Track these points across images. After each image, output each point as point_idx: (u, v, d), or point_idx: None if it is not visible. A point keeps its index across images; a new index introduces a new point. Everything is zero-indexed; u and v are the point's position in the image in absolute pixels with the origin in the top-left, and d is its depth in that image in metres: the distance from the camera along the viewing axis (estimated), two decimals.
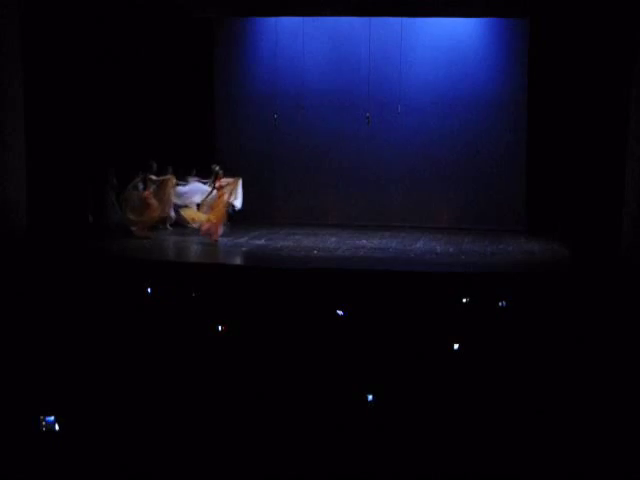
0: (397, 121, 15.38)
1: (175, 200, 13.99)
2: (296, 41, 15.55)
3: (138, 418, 4.37)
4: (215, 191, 13.45)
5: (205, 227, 13.28)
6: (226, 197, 13.37)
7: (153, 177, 13.78)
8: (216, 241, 13.13)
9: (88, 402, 4.56)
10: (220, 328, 6.40)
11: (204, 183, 13.97)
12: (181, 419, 4.40)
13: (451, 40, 15.33)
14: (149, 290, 8.19)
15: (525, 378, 5.23)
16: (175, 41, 15.35)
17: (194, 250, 12.94)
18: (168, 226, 14.39)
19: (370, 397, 4.74)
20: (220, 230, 13.35)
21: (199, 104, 15.95)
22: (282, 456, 4.04)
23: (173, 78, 15.51)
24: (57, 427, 4.13)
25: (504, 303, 7.63)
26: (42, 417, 4.15)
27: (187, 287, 8.38)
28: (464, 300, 7.56)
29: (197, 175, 14.44)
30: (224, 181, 13.43)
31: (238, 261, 11.99)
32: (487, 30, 15.39)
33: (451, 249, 12.79)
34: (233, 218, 14.20)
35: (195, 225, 13.51)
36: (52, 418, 4.14)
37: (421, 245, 13.37)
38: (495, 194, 15.24)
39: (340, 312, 7.14)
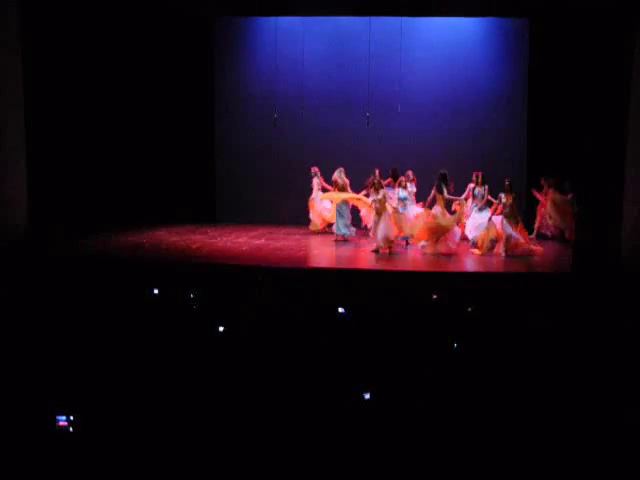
0: (397, 121, 15.39)
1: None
2: (296, 41, 15.55)
3: (142, 418, 4.37)
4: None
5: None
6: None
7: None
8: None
9: (92, 402, 4.57)
10: (221, 328, 6.40)
11: None
12: (184, 419, 4.41)
13: (451, 40, 15.34)
14: (150, 290, 8.17)
15: (525, 379, 5.24)
16: (174, 41, 15.35)
17: (194, 250, 12.94)
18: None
19: (367, 396, 4.74)
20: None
21: (199, 104, 15.94)
22: (282, 455, 4.04)
23: (172, 78, 15.50)
24: (71, 429, 4.12)
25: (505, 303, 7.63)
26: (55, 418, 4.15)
27: (186, 287, 8.37)
28: (469, 309, 7.50)
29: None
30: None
31: (237, 261, 11.95)
32: (487, 30, 15.40)
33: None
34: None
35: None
36: (64, 418, 4.13)
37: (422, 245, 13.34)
38: (495, 194, 15.22)
39: (341, 310, 7.14)
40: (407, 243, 13.11)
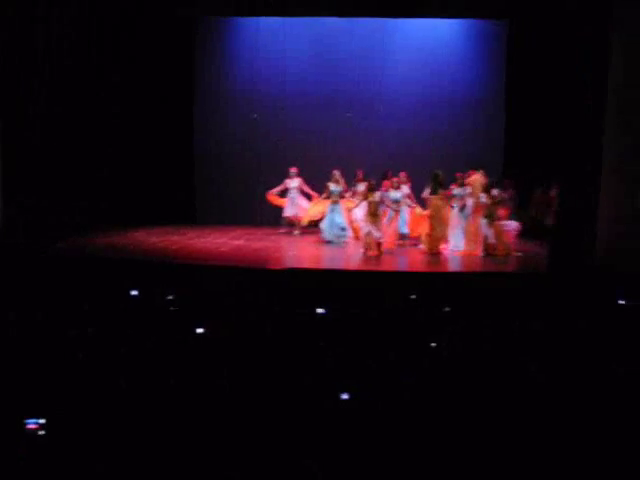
0: (378, 121, 15.47)
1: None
2: (277, 41, 15.59)
3: (121, 421, 4.36)
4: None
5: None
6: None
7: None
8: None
9: (73, 405, 4.55)
10: (203, 330, 6.39)
11: None
12: (163, 421, 4.40)
13: (432, 41, 15.46)
14: (128, 292, 8.14)
15: (510, 378, 5.28)
16: (155, 40, 15.30)
17: (178, 251, 12.90)
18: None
19: (345, 396, 4.75)
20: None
21: (179, 104, 15.89)
22: (268, 455, 4.05)
23: (153, 78, 15.45)
24: (42, 431, 4.10)
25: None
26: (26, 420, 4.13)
27: (169, 288, 8.34)
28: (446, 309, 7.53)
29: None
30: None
31: (216, 262, 11.93)
32: (467, 31, 15.54)
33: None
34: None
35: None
36: (36, 421, 4.11)
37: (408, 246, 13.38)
38: None
39: (321, 310, 7.15)
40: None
